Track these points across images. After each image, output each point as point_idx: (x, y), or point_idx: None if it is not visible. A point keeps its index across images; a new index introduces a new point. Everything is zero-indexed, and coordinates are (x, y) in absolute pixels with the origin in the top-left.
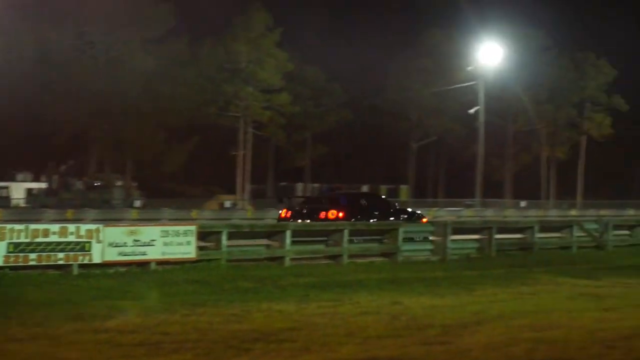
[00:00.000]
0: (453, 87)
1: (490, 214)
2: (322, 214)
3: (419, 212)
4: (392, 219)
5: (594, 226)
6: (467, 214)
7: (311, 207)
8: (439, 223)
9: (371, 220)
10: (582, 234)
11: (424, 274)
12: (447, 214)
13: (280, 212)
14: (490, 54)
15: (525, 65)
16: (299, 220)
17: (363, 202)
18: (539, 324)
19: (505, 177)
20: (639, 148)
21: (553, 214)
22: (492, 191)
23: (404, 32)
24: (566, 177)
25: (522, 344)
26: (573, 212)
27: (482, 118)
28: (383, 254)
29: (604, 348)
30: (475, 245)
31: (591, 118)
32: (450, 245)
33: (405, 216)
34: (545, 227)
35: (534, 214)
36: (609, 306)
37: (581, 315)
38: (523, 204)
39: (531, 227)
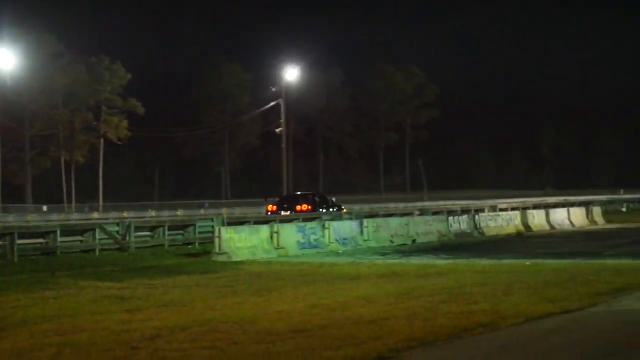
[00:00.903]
0: None
1: (12, 219)
2: (298, 207)
3: (342, 205)
4: (332, 209)
5: (116, 228)
6: None
7: (290, 203)
8: None
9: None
10: (105, 237)
11: None
12: None
13: (267, 207)
14: (3, 59)
15: (38, 70)
16: (282, 212)
17: (317, 199)
18: (63, 328)
19: (26, 181)
20: (157, 150)
21: (75, 217)
22: (14, 196)
23: None
24: (88, 179)
25: (47, 349)
26: (95, 215)
27: None
28: None
29: (129, 349)
30: None
31: (107, 121)
32: None
33: (336, 208)
34: (68, 230)
35: (56, 218)
36: (133, 307)
37: (105, 317)
38: (45, 208)
39: (54, 232)
